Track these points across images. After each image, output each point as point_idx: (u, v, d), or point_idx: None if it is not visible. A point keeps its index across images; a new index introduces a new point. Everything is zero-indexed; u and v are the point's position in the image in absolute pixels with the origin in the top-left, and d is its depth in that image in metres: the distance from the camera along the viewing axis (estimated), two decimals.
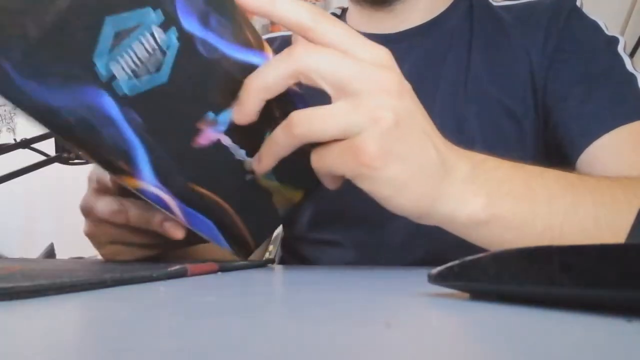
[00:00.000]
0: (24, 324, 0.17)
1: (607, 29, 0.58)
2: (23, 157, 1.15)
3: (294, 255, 0.66)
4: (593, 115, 0.53)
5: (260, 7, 0.33)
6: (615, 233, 0.37)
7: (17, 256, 0.69)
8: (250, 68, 0.34)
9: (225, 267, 0.36)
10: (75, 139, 0.32)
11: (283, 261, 0.68)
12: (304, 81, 0.32)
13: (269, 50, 0.36)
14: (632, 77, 0.54)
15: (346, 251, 0.60)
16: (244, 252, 0.42)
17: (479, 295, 0.21)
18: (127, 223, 0.42)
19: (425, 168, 0.33)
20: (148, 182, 0.35)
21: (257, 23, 2.25)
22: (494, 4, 0.64)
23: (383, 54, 0.34)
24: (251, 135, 0.36)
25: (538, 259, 0.17)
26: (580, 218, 0.37)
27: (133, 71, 0.31)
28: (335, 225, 0.60)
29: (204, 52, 0.32)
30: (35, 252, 1.68)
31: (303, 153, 0.34)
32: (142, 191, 0.35)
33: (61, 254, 1.36)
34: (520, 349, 0.13)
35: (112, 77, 0.31)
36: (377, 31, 0.65)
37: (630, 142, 0.50)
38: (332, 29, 0.33)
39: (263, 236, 0.43)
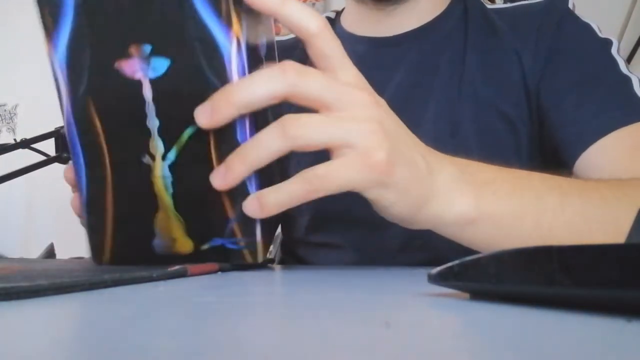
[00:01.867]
0: (24, 324, 0.17)
1: (600, 31, 0.58)
2: (23, 157, 1.14)
3: (293, 256, 0.66)
4: (588, 119, 0.53)
5: (269, 7, 0.33)
6: (605, 230, 0.37)
7: (17, 256, 0.69)
8: None
9: (225, 267, 0.36)
10: None
11: (282, 263, 0.68)
12: (290, 100, 0.32)
13: None
14: (626, 79, 0.54)
15: (345, 253, 0.60)
16: (257, 249, 0.36)
17: (479, 295, 0.21)
18: None
19: (418, 172, 0.35)
20: (59, 52, 0.33)
21: None
22: (488, 6, 0.64)
23: (361, 78, 0.35)
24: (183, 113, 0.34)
25: (538, 259, 0.17)
26: (569, 216, 0.38)
27: None
28: (334, 227, 0.60)
29: None
30: (35, 252, 1.68)
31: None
32: (50, 55, 0.33)
33: (61, 254, 1.36)
34: (520, 349, 0.13)
35: None
36: (374, 34, 0.64)
37: (626, 145, 0.50)
38: (332, 43, 0.34)
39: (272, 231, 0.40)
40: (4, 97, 2.63)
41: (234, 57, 0.33)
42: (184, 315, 0.18)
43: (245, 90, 0.32)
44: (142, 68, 0.33)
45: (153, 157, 0.34)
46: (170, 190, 0.35)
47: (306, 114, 0.32)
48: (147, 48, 0.33)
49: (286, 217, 0.41)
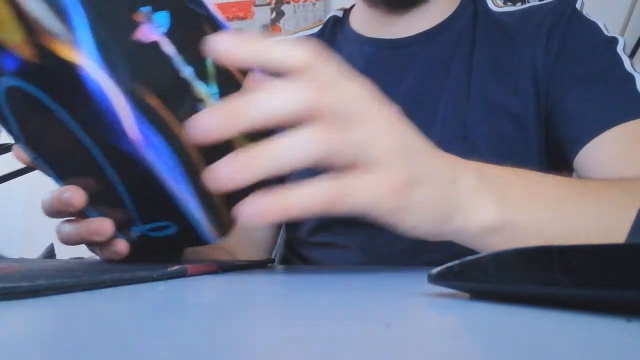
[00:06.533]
0: (24, 324, 0.17)
1: (606, 29, 0.59)
2: None
3: (297, 255, 0.65)
4: (590, 114, 0.53)
5: (246, 58, 0.30)
6: (613, 236, 0.37)
7: (17, 256, 0.69)
8: None
9: (225, 267, 0.36)
10: None
11: (286, 260, 0.68)
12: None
13: None
14: (630, 76, 0.54)
15: (351, 254, 0.60)
16: (219, 226, 0.36)
17: (479, 295, 0.21)
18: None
19: (442, 186, 0.33)
20: (90, 56, 0.29)
21: (257, 23, 2.25)
22: (495, 9, 0.64)
23: (368, 89, 0.32)
24: (198, 48, 0.33)
25: (538, 259, 0.17)
26: (585, 223, 0.37)
27: None
28: (340, 228, 0.60)
29: None
30: (35, 252, 1.68)
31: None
32: (82, 71, 0.29)
33: (61, 254, 1.36)
34: (520, 349, 0.13)
35: None
36: (383, 36, 0.65)
37: (626, 141, 0.51)
38: (328, 69, 0.30)
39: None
40: None
41: None
42: (184, 315, 0.18)
43: (255, 106, 0.28)
44: (153, 29, 0.33)
45: (203, 101, 0.34)
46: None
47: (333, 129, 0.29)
48: (147, 9, 0.33)
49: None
